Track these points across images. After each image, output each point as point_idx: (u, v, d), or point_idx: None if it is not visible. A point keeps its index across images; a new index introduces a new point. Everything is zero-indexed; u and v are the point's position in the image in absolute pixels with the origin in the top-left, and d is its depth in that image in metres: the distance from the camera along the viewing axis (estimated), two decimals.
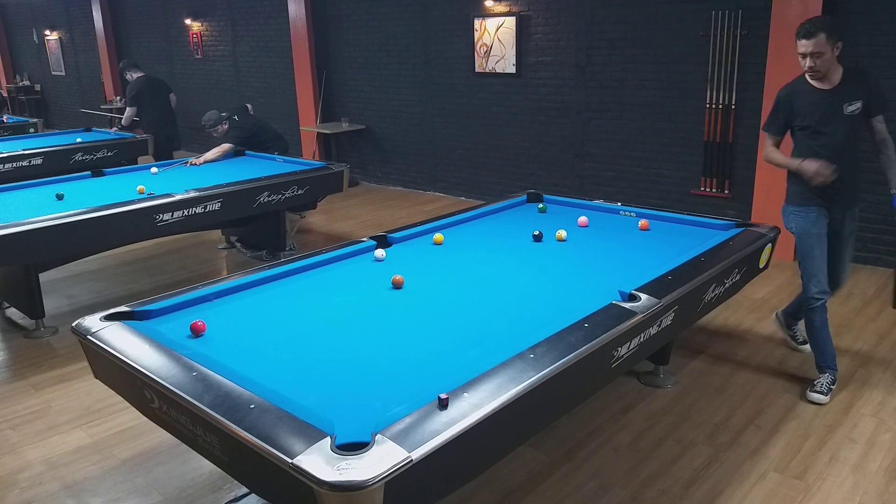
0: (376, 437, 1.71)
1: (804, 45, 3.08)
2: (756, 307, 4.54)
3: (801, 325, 3.75)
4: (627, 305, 2.57)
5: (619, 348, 2.47)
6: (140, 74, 7.90)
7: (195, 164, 5.88)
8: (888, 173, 3.36)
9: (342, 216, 7.22)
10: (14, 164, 6.50)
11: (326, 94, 8.81)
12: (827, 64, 3.11)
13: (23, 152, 6.63)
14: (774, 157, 3.41)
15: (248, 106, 7.03)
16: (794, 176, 3.39)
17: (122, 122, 8.02)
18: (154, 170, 5.73)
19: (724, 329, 4.24)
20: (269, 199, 5.07)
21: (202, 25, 10.38)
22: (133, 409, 2.46)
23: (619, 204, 4.21)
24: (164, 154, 7.68)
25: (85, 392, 3.65)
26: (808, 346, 3.73)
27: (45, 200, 4.64)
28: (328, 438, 1.71)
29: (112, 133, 7.76)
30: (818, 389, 3.40)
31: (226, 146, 6.08)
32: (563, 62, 6.58)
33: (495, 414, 1.89)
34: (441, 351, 2.33)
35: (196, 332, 2.45)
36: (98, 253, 5.22)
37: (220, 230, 6.14)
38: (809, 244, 3.37)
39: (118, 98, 12.03)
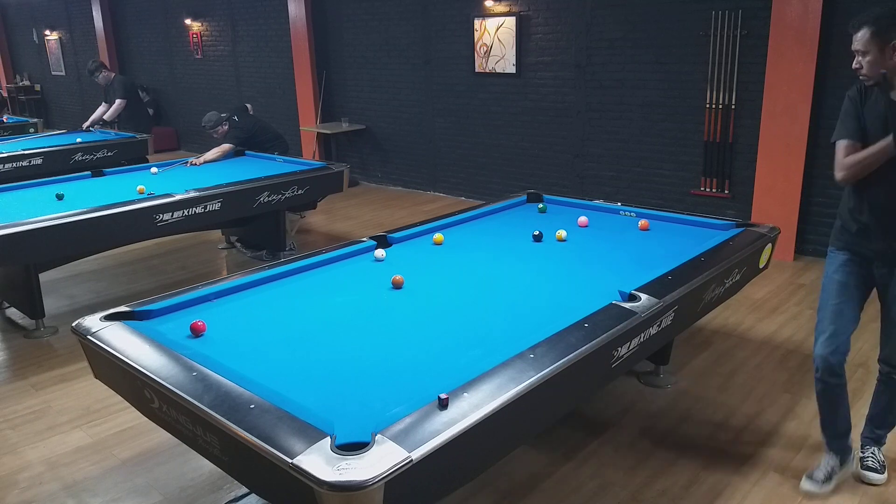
0: (376, 437, 1.71)
1: (853, 41, 2.49)
2: (756, 307, 4.54)
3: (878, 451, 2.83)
4: (627, 305, 2.57)
5: (619, 348, 2.47)
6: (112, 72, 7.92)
7: (195, 164, 5.88)
8: None
9: (342, 216, 7.22)
10: (14, 164, 6.50)
11: (326, 94, 8.81)
12: (873, 67, 2.44)
13: (23, 152, 6.64)
14: (854, 158, 2.51)
15: (248, 106, 7.03)
16: (840, 209, 2.74)
17: (107, 116, 7.83)
18: (154, 170, 5.74)
19: (724, 329, 4.24)
20: (269, 199, 5.07)
21: (202, 25, 10.38)
22: (133, 409, 2.46)
23: (619, 204, 4.21)
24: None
25: (85, 392, 3.65)
26: (876, 476, 2.76)
27: (46, 200, 4.64)
28: (328, 438, 1.72)
29: (112, 133, 7.74)
30: (814, 477, 2.73)
31: (226, 146, 6.08)
32: (563, 62, 6.58)
33: (495, 414, 1.89)
34: (441, 351, 2.33)
35: (196, 332, 2.45)
36: (98, 253, 5.22)
37: (220, 230, 6.14)
38: (826, 291, 2.71)
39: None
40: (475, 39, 7.13)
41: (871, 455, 2.81)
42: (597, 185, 6.59)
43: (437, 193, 8.06)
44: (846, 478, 2.77)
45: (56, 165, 6.61)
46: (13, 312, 4.75)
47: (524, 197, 4.47)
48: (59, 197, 4.64)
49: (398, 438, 1.71)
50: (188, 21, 10.50)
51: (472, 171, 7.65)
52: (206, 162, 5.93)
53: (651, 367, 3.61)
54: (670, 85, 5.93)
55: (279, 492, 1.84)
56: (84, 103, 13.16)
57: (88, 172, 5.59)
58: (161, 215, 4.44)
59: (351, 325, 2.57)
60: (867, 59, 2.45)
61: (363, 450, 1.66)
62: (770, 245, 3.57)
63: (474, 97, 7.38)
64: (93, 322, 2.48)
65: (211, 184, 4.87)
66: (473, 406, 1.87)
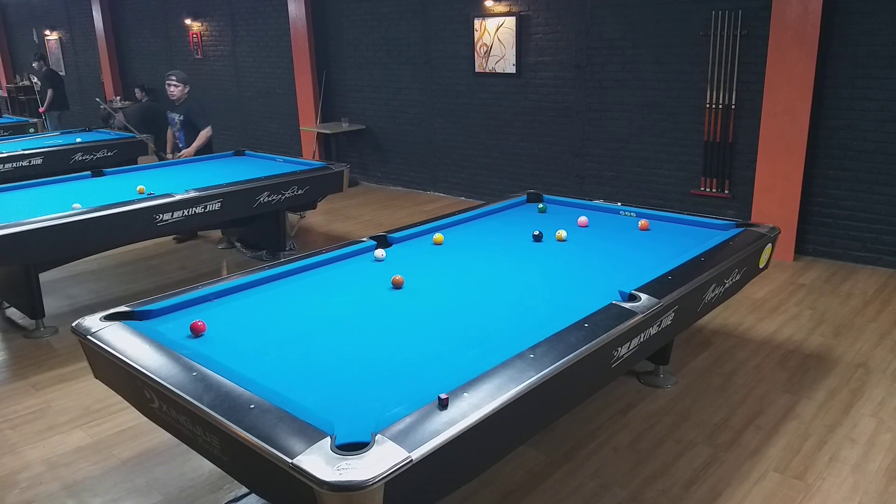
0: (376, 437, 1.71)
1: None
2: (756, 307, 4.54)
3: None
4: (627, 305, 2.57)
5: (619, 348, 2.47)
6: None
7: (184, 157, 6.13)
8: None
9: (342, 216, 7.22)
10: (14, 164, 6.50)
11: (326, 94, 8.80)
12: None
13: (23, 152, 6.63)
14: None
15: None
16: None
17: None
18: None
19: (724, 329, 4.24)
20: (269, 199, 5.07)
21: (202, 25, 10.38)
22: (133, 409, 2.46)
23: (619, 204, 4.21)
24: None
25: (85, 392, 3.65)
26: None
27: (45, 200, 4.63)
28: (328, 438, 1.71)
29: (112, 133, 7.73)
30: None
31: (207, 132, 6.24)
32: (563, 62, 6.58)
33: (495, 414, 1.89)
34: (441, 351, 2.33)
35: (196, 332, 2.45)
36: (98, 253, 5.22)
37: (220, 230, 6.14)
38: None
39: (118, 98, 12.03)
40: (475, 39, 7.13)
41: None
42: (597, 185, 6.59)
43: (437, 193, 8.06)
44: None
45: (56, 165, 6.61)
46: (13, 312, 4.75)
47: (524, 197, 4.47)
48: None
49: (398, 438, 1.71)
50: (188, 21, 10.50)
51: (472, 171, 7.65)
52: (196, 151, 6.14)
53: (651, 367, 3.61)
54: (670, 85, 5.93)
55: (279, 492, 1.84)
56: (84, 103, 13.16)
57: (88, 172, 5.59)
58: (161, 215, 4.44)
59: (351, 325, 2.57)
60: None
61: (363, 450, 1.66)
62: (770, 245, 3.57)
63: (474, 97, 7.37)
64: (93, 322, 2.48)
65: (211, 184, 4.87)
66: (473, 406, 1.87)
